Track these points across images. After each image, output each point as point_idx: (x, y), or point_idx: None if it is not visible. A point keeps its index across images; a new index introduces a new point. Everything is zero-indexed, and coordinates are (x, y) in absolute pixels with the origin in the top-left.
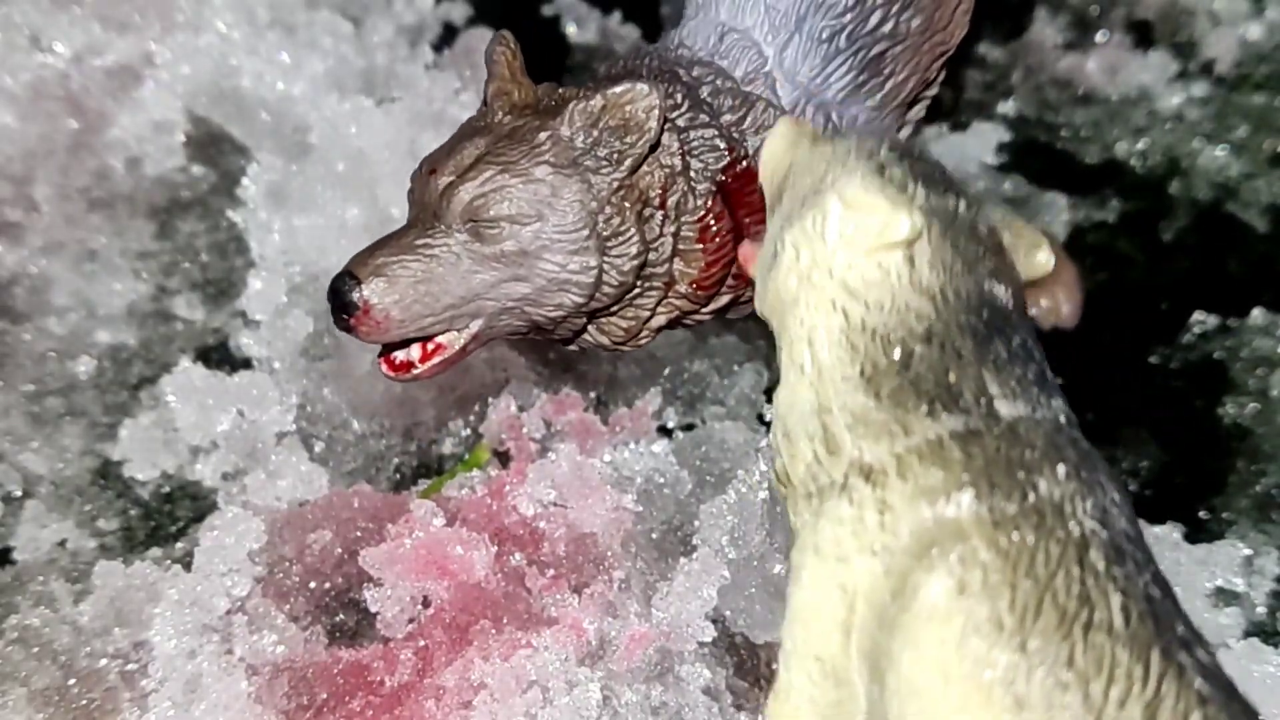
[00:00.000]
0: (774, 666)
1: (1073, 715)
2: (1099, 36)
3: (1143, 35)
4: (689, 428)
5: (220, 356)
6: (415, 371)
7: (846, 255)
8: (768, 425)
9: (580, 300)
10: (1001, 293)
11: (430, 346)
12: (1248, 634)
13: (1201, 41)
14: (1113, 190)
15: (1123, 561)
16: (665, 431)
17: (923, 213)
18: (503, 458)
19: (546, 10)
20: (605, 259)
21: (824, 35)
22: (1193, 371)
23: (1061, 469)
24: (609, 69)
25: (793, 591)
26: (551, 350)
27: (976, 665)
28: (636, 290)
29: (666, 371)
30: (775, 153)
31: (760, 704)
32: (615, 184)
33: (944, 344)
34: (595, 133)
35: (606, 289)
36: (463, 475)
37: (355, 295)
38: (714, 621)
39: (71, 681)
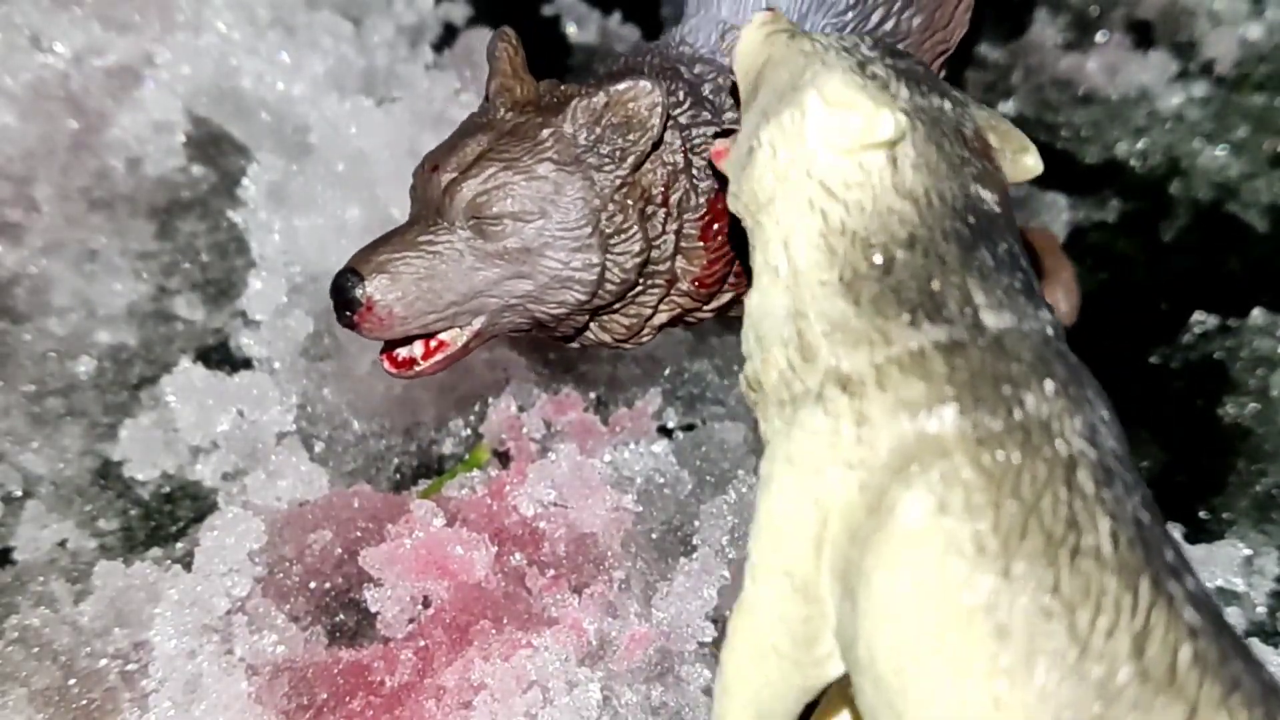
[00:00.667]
0: None
1: (1057, 645)
2: (1099, 36)
3: (1143, 35)
4: (689, 428)
5: (220, 356)
6: (418, 368)
7: (826, 155)
8: None
9: (583, 298)
10: (988, 197)
11: (433, 343)
12: (1248, 634)
13: (1201, 41)
14: (1113, 190)
15: (1112, 484)
16: (665, 431)
17: (907, 112)
18: (503, 458)
19: (546, 10)
20: (608, 256)
21: (825, 33)
22: (1193, 371)
23: (1049, 385)
24: (610, 67)
25: (761, 502)
26: (551, 350)
27: (956, 589)
28: (639, 288)
29: (666, 371)
30: (751, 44)
31: None
32: (618, 181)
33: (927, 250)
34: (598, 130)
35: (609, 286)
36: (463, 475)
37: (358, 292)
38: (714, 621)
39: (71, 681)
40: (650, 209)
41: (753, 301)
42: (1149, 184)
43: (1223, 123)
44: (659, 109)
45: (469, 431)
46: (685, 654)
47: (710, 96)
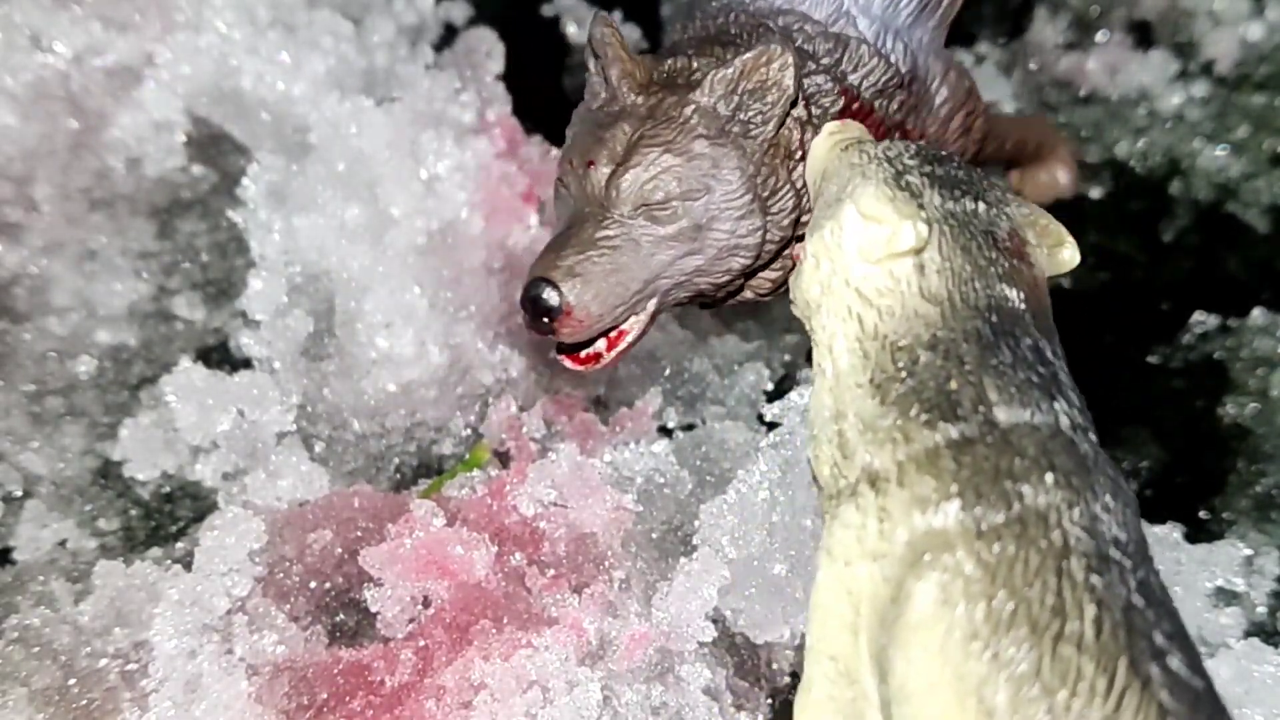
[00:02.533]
0: (774, 666)
1: None
2: (1099, 36)
3: (1143, 35)
4: (689, 428)
5: (220, 356)
6: (603, 361)
7: (861, 264)
8: (768, 425)
9: (748, 262)
10: (1014, 295)
11: (613, 334)
12: (1248, 634)
13: (1201, 41)
14: (1113, 190)
15: (1105, 570)
16: (665, 431)
17: (932, 220)
18: (503, 458)
19: (546, 10)
20: (768, 218)
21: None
22: (1193, 371)
23: (1050, 477)
24: (691, 32)
25: (812, 591)
26: (551, 349)
27: (954, 674)
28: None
29: (666, 371)
30: (818, 154)
31: (760, 703)
32: (764, 144)
33: (948, 351)
34: (736, 99)
35: (769, 246)
36: (463, 475)
37: (555, 299)
38: (714, 621)
39: (72, 681)
40: (792, 164)
41: (810, 402)
42: (1149, 184)
43: (1223, 123)
44: (790, 70)
45: (469, 431)
46: (685, 654)
47: (803, 46)
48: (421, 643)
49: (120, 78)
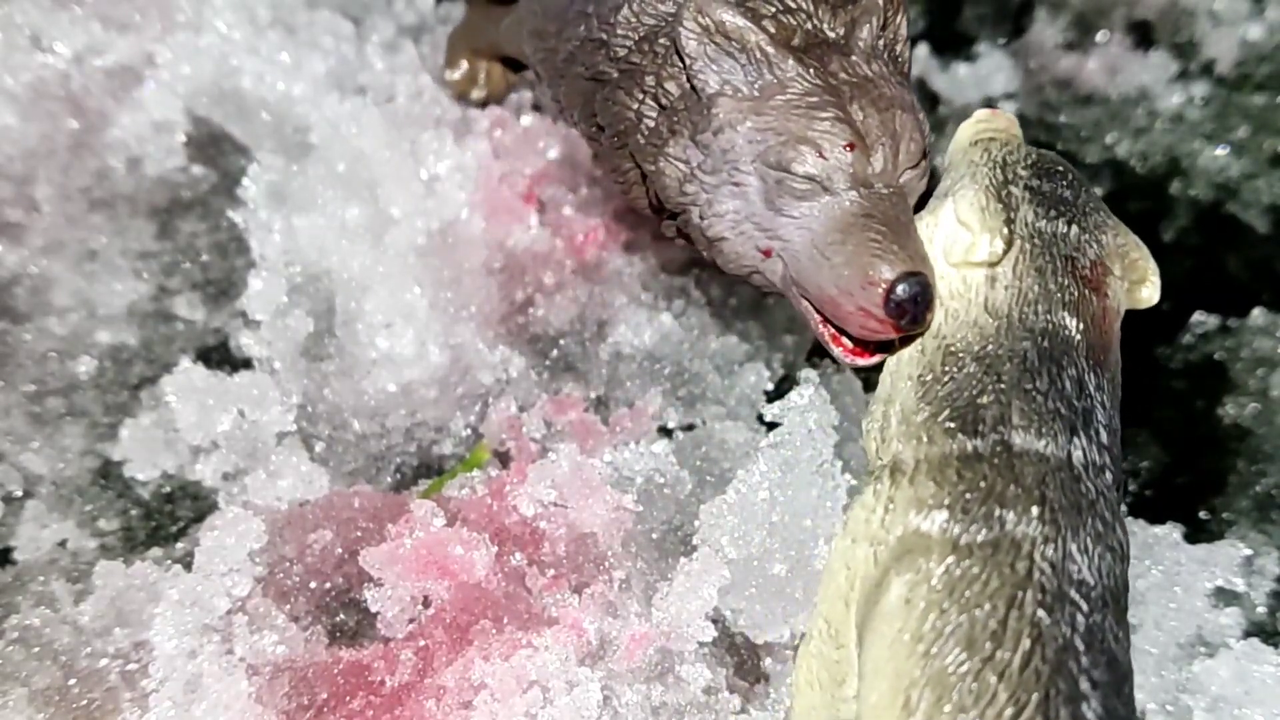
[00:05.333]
0: (774, 666)
1: None
2: (1099, 36)
3: (1143, 35)
4: (689, 428)
5: (220, 356)
6: (893, 348)
7: (944, 262)
8: (768, 425)
9: None
10: (1073, 324)
11: None
12: (1248, 634)
13: (1201, 41)
14: (1113, 190)
15: (1056, 609)
16: (665, 431)
17: (1016, 237)
18: (503, 458)
19: None
20: None
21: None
22: (1193, 371)
23: (1035, 509)
24: None
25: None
26: (552, 349)
27: (895, 670)
28: None
29: (666, 371)
30: (958, 140)
31: (760, 703)
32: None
33: (990, 365)
34: (881, 37)
35: None
36: (463, 475)
37: (928, 290)
38: (714, 621)
39: (72, 681)
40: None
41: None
42: (1149, 184)
43: (1223, 123)
44: None
45: (469, 431)
46: (685, 654)
47: None
48: (421, 643)
49: (120, 78)
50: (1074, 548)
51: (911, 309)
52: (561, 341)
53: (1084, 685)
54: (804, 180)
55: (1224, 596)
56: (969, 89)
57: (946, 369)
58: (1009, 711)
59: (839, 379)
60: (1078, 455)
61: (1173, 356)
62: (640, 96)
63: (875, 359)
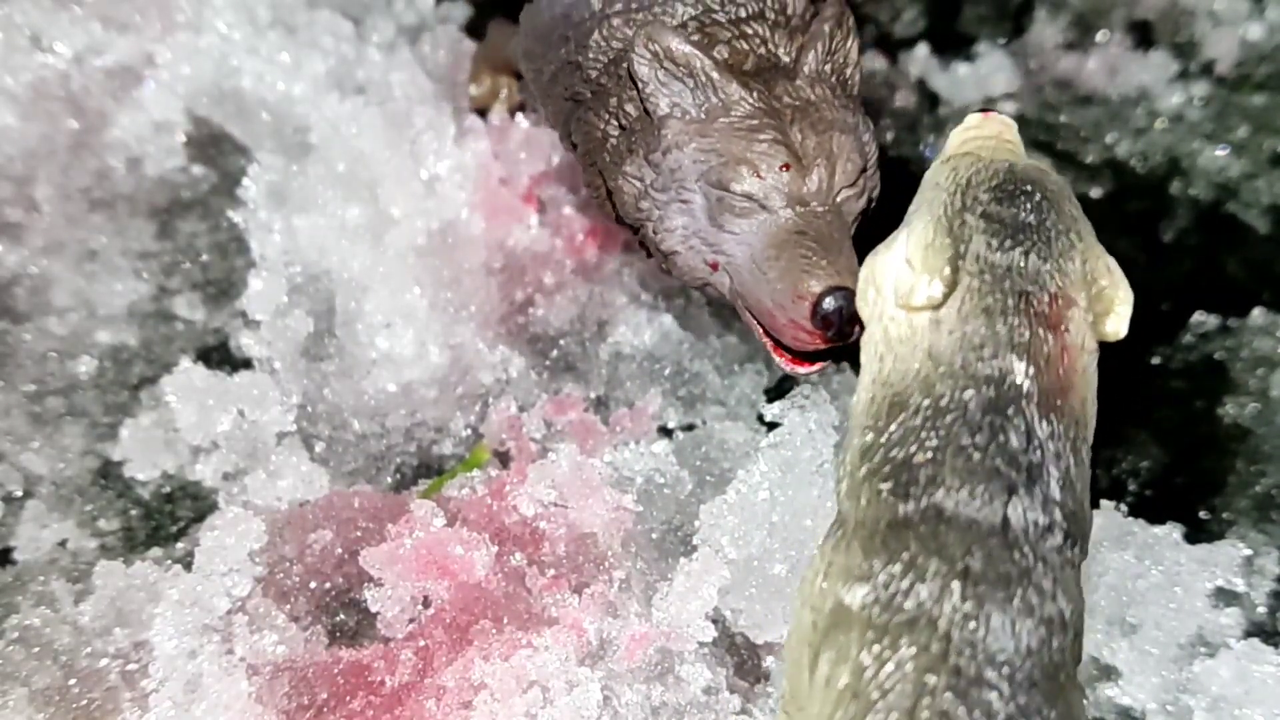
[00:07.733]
0: (775, 666)
1: None
2: (1099, 36)
3: (1143, 35)
4: (689, 428)
5: (221, 356)
6: (823, 362)
7: (892, 306)
8: (768, 425)
9: None
10: (1021, 370)
11: None
12: (1248, 634)
13: (1201, 41)
14: (1113, 190)
15: (969, 694)
16: (665, 431)
17: (956, 278)
18: (503, 458)
19: None
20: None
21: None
22: (1193, 371)
23: (957, 585)
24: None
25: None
26: (552, 349)
27: None
28: None
29: (666, 371)
30: (943, 151)
31: (760, 704)
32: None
33: (929, 418)
34: (829, 61)
35: None
36: (463, 475)
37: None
38: (714, 621)
39: (72, 681)
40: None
41: None
42: (1149, 184)
43: (1223, 123)
44: (849, 19)
45: (469, 431)
46: (685, 654)
47: None
48: (421, 643)
49: (120, 78)
50: (998, 623)
51: (837, 321)
52: (561, 341)
53: None
54: (743, 198)
55: (1224, 596)
56: (969, 89)
57: (890, 420)
58: None
59: (839, 379)
60: (1016, 518)
61: (1173, 356)
62: (606, 117)
63: (815, 368)
